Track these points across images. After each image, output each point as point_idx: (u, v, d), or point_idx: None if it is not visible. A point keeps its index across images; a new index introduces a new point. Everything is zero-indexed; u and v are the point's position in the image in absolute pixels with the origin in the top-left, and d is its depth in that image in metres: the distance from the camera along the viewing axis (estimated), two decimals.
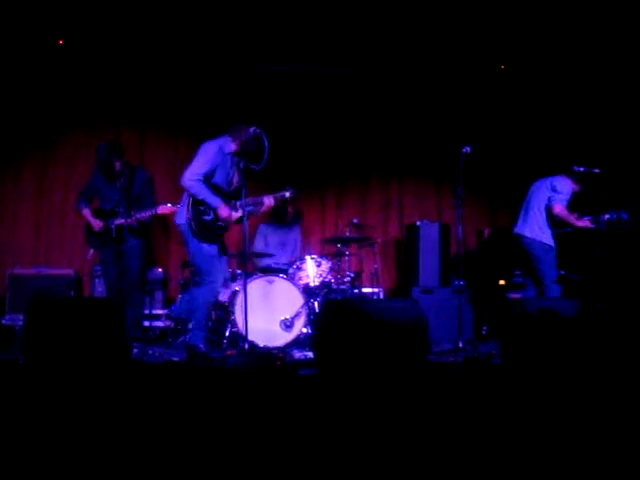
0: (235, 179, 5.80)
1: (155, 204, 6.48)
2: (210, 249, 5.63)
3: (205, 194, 5.53)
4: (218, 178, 5.66)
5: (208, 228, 5.60)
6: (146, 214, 6.37)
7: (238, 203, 5.66)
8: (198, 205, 5.58)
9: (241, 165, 5.70)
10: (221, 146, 5.67)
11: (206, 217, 5.60)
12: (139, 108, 8.50)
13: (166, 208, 6.40)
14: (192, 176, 5.53)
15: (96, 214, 6.52)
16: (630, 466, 2.81)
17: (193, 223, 5.55)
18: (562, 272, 6.70)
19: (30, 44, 7.88)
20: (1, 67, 8.06)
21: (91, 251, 6.61)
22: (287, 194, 5.87)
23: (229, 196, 5.68)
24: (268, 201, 5.80)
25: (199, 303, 5.70)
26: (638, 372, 4.39)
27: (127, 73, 8.40)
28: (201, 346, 5.60)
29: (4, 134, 8.24)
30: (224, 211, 5.57)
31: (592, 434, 3.18)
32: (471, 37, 7.83)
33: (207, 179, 5.59)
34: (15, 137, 8.27)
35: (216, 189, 5.62)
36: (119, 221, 6.35)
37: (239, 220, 5.69)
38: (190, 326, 6.00)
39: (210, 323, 7.15)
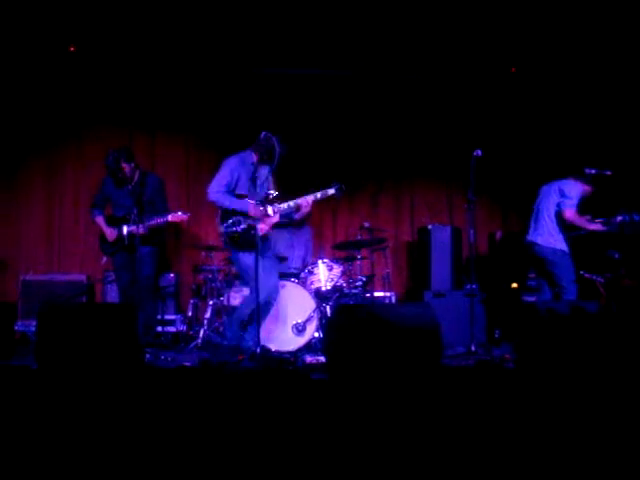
0: (265, 187, 5.87)
1: (167, 209, 6.49)
2: (247, 258, 5.70)
3: (231, 202, 5.69)
4: (242, 189, 5.77)
5: (243, 237, 5.71)
6: (157, 221, 6.37)
7: (273, 208, 5.75)
8: (227, 218, 5.72)
9: (266, 171, 5.81)
10: (242, 158, 5.83)
11: (237, 228, 5.71)
12: (150, 112, 8.52)
13: (177, 216, 6.41)
14: (215, 188, 5.72)
15: (109, 222, 6.54)
16: None
17: (225, 235, 5.73)
18: (582, 273, 6.68)
19: (42, 49, 7.93)
20: (14, 72, 8.11)
21: (104, 258, 6.64)
22: (332, 191, 5.84)
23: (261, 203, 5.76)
24: (305, 201, 5.77)
25: (241, 308, 5.93)
26: None
27: (139, 78, 8.44)
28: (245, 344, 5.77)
29: (15, 139, 8.28)
30: (254, 210, 5.67)
31: (606, 440, 3.16)
32: (482, 40, 7.82)
33: (232, 191, 5.73)
34: (26, 142, 8.32)
35: (242, 197, 5.73)
36: (131, 228, 6.35)
37: (279, 224, 5.80)
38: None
39: (222, 328, 7.18)
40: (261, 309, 5.69)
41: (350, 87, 8.74)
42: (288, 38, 7.78)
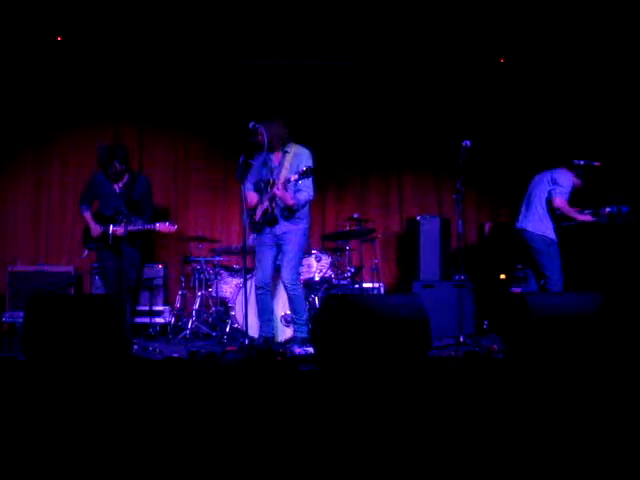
0: (276, 173, 5.90)
1: (152, 211, 6.54)
2: (253, 240, 6.04)
3: (243, 196, 5.79)
4: (251, 180, 6.02)
5: (251, 219, 5.95)
6: (144, 227, 6.36)
7: (264, 196, 5.84)
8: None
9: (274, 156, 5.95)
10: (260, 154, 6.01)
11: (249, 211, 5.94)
12: (138, 103, 8.45)
13: (165, 226, 6.41)
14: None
15: (96, 218, 6.49)
16: (630, 461, 2.80)
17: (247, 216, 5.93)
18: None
19: (28, 41, 7.86)
20: (1, 62, 8.04)
21: (85, 252, 6.61)
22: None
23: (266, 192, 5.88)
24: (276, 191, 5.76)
25: None
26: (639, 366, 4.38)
27: (125, 71, 8.37)
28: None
29: (3, 130, 8.20)
30: (248, 197, 5.88)
31: (593, 431, 3.17)
32: (471, 30, 7.79)
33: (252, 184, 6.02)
34: (13, 133, 8.24)
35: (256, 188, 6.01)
36: (117, 229, 6.31)
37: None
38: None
39: (211, 319, 7.18)
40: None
41: (339, 79, 8.69)
42: (270, 29, 7.74)
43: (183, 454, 2.88)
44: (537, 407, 3.50)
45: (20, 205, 8.27)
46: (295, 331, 6.07)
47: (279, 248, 5.94)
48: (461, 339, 5.86)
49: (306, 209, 5.95)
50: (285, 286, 5.94)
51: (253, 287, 6.15)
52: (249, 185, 5.99)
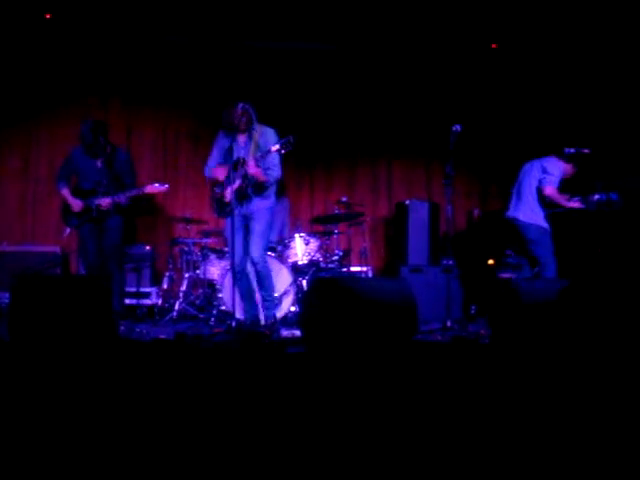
0: (237, 154, 5.84)
1: (135, 184, 6.42)
2: (225, 224, 6.03)
3: (208, 173, 6.02)
4: (219, 158, 6.01)
5: (218, 203, 5.93)
6: (133, 193, 6.31)
7: (232, 174, 5.76)
8: (212, 188, 5.99)
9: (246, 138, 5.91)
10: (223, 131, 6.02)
11: (215, 194, 5.94)
12: (127, 84, 8.43)
13: (154, 187, 6.38)
14: (204, 166, 6.09)
15: (75, 193, 6.41)
16: (619, 447, 2.81)
17: (211, 202, 6.00)
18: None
19: (16, 19, 7.77)
20: None
21: (67, 230, 6.50)
22: (275, 147, 5.64)
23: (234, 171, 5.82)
24: (250, 167, 5.71)
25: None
26: (625, 352, 4.40)
27: (114, 51, 8.33)
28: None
29: None
30: (216, 173, 5.91)
31: (582, 417, 3.18)
32: (462, 14, 7.76)
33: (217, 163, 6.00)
34: (1, 113, 8.19)
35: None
36: (103, 200, 6.25)
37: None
38: None
39: (198, 301, 7.16)
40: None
41: (329, 62, 8.68)
42: (269, 10, 7.68)
43: (171, 436, 2.88)
44: (524, 393, 3.51)
45: (7, 186, 8.23)
46: (264, 308, 6.01)
47: (247, 229, 5.94)
48: (448, 324, 5.87)
49: (274, 187, 5.97)
50: (255, 262, 5.88)
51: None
52: (212, 165, 6.02)
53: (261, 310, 6.04)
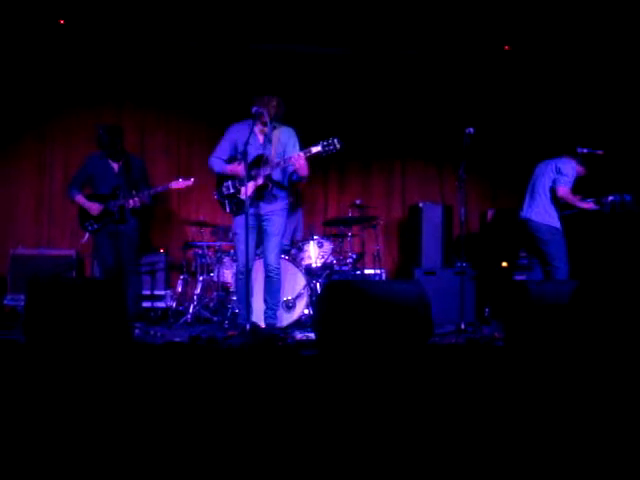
0: (255, 151, 5.76)
1: (150, 188, 6.43)
2: (236, 222, 5.87)
3: (218, 166, 5.88)
4: (229, 151, 5.93)
5: (230, 199, 5.84)
6: (158, 190, 6.37)
7: (255, 172, 5.68)
8: (221, 182, 5.87)
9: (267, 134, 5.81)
10: (241, 124, 5.90)
11: (228, 191, 5.84)
12: (141, 86, 8.46)
13: (179, 183, 6.44)
14: (210, 156, 5.94)
15: (90, 199, 6.41)
16: (630, 451, 2.80)
17: (219, 198, 5.89)
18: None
19: (32, 24, 7.83)
20: (5, 44, 8.02)
21: (86, 235, 6.49)
22: (317, 148, 5.46)
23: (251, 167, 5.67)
24: (297, 160, 5.53)
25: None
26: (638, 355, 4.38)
27: (128, 55, 8.37)
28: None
29: (6, 113, 8.20)
30: (236, 169, 5.73)
31: (594, 420, 3.17)
32: (475, 17, 7.75)
33: (229, 158, 5.89)
34: (16, 116, 8.24)
35: (233, 160, 5.89)
36: (131, 201, 6.25)
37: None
38: None
39: (212, 304, 7.18)
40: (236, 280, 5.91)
41: (343, 65, 8.69)
42: (282, 13, 7.69)
43: (184, 438, 2.89)
44: (538, 395, 3.50)
45: (23, 189, 8.28)
46: (267, 317, 5.95)
47: (259, 230, 5.88)
48: (462, 327, 5.86)
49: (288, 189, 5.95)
50: (270, 269, 5.86)
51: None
52: (221, 159, 5.93)
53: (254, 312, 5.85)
